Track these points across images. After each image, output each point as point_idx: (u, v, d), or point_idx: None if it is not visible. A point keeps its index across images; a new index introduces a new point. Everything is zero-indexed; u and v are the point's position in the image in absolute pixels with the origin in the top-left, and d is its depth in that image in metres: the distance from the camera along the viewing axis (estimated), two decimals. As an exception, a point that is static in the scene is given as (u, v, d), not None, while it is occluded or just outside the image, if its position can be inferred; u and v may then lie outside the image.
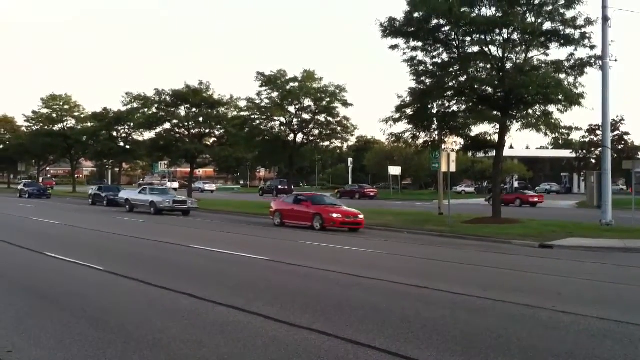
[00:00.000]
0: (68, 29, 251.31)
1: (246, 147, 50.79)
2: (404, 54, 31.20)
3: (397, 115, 31.65)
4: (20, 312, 9.16)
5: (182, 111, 57.14)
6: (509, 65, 29.87)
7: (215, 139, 59.94)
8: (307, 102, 44.77)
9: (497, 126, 30.57)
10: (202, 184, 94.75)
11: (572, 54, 29.02)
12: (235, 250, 17.81)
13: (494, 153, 32.21)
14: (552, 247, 22.05)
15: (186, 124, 57.13)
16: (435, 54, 31.18)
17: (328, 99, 44.22)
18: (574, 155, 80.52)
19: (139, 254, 17.53)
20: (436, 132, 32.64)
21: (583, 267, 17.27)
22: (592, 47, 28.62)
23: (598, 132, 64.58)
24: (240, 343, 7.52)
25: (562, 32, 28.88)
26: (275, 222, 30.09)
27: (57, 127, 78.24)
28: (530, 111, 30.00)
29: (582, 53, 28.99)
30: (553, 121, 29.53)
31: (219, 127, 57.37)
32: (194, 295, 10.48)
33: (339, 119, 45.14)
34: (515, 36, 29.31)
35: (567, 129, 30.23)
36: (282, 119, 45.61)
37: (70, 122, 79.08)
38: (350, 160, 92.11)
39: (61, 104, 78.32)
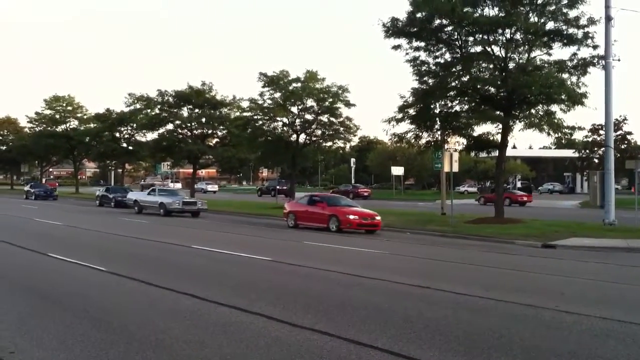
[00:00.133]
0: (70, 29, 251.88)
1: (249, 148, 50.75)
2: (407, 54, 31.25)
3: (400, 116, 31.63)
4: (22, 313, 9.17)
5: (184, 112, 57.19)
6: (511, 65, 29.84)
7: (217, 140, 59.96)
8: (310, 102, 44.73)
9: (500, 126, 30.54)
10: (205, 184, 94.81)
11: (575, 54, 29.02)
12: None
13: (496, 153, 32.19)
14: (555, 247, 22.02)
15: (189, 124, 57.17)
16: (437, 54, 31.18)
17: (331, 100, 44.17)
18: (576, 155, 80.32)
19: (142, 255, 17.54)
20: (439, 132, 32.64)
21: (586, 267, 17.24)
22: (595, 47, 28.63)
23: (601, 132, 64.47)
24: (242, 343, 7.52)
25: (565, 32, 28.84)
26: (289, 223, 29.51)
27: (60, 128, 78.37)
28: (533, 111, 29.99)
29: (585, 53, 29.00)
30: (556, 121, 29.52)
31: (221, 127, 57.40)
32: (196, 296, 10.48)
33: (341, 119, 45.11)
34: (518, 36, 29.28)
35: (570, 129, 30.22)
36: (285, 120, 45.59)
37: (73, 123, 79.24)
38: (352, 160, 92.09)
39: (64, 105, 78.45)
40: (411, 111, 31.67)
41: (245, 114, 48.57)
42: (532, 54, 29.70)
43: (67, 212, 39.21)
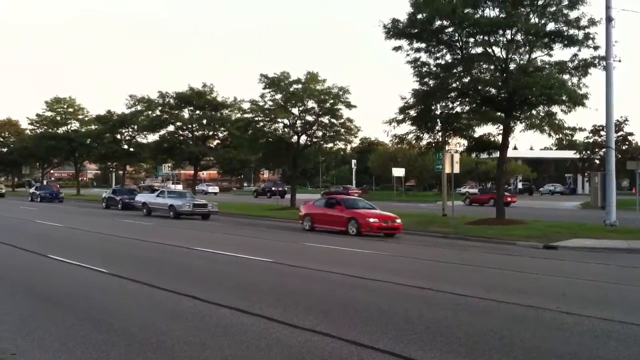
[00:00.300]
0: (71, 29, 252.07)
1: (250, 149, 50.71)
2: (408, 55, 31.24)
3: (401, 117, 31.63)
4: (24, 315, 9.17)
5: (185, 113, 57.38)
6: (512, 66, 29.85)
7: (218, 141, 60.14)
8: (311, 103, 44.71)
9: (501, 127, 30.53)
10: (206, 185, 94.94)
11: (575, 55, 29.03)
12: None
13: (497, 154, 32.19)
14: (556, 248, 22.01)
15: (190, 126, 57.33)
16: (438, 55, 31.20)
17: (331, 101, 44.17)
18: (577, 156, 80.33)
19: (144, 257, 17.54)
20: (440, 133, 32.65)
21: (587, 268, 17.24)
22: (595, 48, 28.65)
23: (602, 133, 64.38)
24: (243, 345, 7.52)
25: (565, 33, 28.85)
26: (305, 226, 28.71)
27: (61, 130, 78.46)
28: (534, 112, 29.97)
29: (585, 54, 29.00)
30: (557, 122, 29.51)
31: (222, 129, 57.55)
32: (197, 297, 10.48)
33: (342, 120, 45.08)
34: (518, 37, 29.29)
35: (571, 130, 30.22)
36: (286, 121, 45.57)
37: (74, 125, 79.35)
38: (354, 161, 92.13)
39: (65, 106, 78.54)
40: (412, 112, 31.67)
41: (246, 115, 48.63)
42: (533, 55, 29.72)
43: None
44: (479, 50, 30.14)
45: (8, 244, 19.39)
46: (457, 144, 34.68)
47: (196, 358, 7.01)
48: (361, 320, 8.91)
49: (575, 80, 28.92)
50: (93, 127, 75.81)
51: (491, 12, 29.54)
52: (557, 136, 31.03)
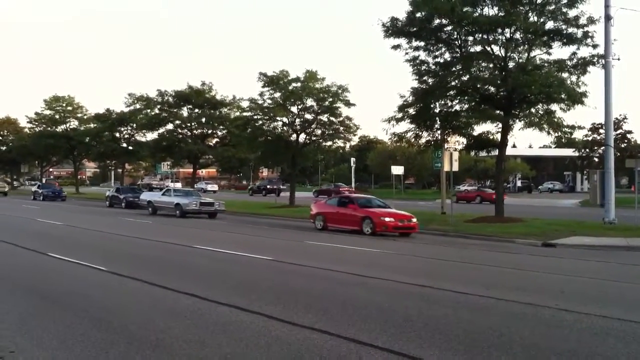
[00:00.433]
0: (70, 29, 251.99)
1: (249, 148, 50.70)
2: (407, 53, 31.26)
3: (400, 115, 31.63)
4: (23, 313, 9.17)
5: (184, 112, 57.40)
6: (511, 64, 29.87)
7: (217, 140, 60.15)
8: (310, 102, 44.71)
9: (500, 125, 30.55)
10: (205, 184, 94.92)
11: (574, 53, 29.04)
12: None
13: (496, 152, 32.21)
14: (555, 246, 22.04)
15: (189, 124, 57.34)
16: (437, 53, 31.20)
17: (330, 99, 44.16)
18: (576, 154, 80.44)
19: (144, 255, 17.55)
20: (439, 132, 32.63)
21: (586, 265, 17.26)
22: (594, 46, 28.66)
23: (601, 131, 64.58)
24: (242, 342, 7.52)
25: (564, 31, 28.87)
26: (317, 225, 28.10)
27: (60, 129, 78.45)
28: (532, 110, 30.01)
29: (584, 52, 29.02)
30: (556, 120, 29.54)
31: (221, 127, 57.57)
32: (196, 295, 10.49)
33: (341, 118, 45.09)
34: (517, 35, 29.29)
35: (570, 128, 30.27)
36: (285, 119, 45.57)
37: (73, 124, 79.32)
38: (352, 160, 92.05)
39: (64, 105, 78.52)
40: (411, 111, 31.67)
41: (245, 113, 48.57)
42: (532, 54, 29.73)
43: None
44: (478, 48, 30.17)
45: (10, 243, 19.36)
46: (456, 142, 34.71)
47: (195, 356, 7.01)
48: (360, 318, 8.92)
49: (574, 78, 28.95)
50: (92, 125, 75.79)
51: (490, 11, 29.58)
52: (556, 134, 31.05)
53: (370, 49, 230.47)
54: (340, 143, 49.29)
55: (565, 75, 28.97)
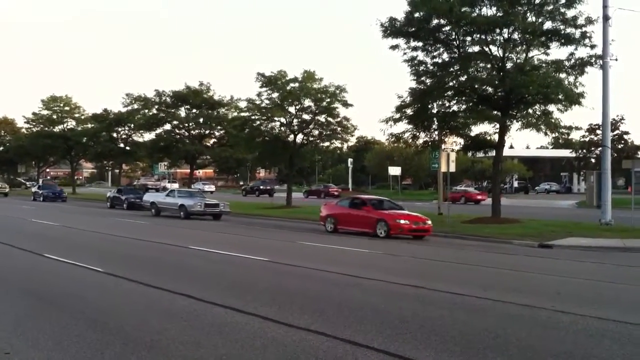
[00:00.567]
0: (67, 29, 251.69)
1: (246, 148, 50.67)
2: (405, 54, 31.24)
3: (397, 116, 31.63)
4: (19, 314, 9.15)
5: (182, 112, 57.35)
6: (509, 64, 29.90)
7: (215, 140, 60.13)
8: (307, 102, 44.71)
9: (497, 126, 30.58)
10: (202, 184, 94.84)
11: (572, 54, 29.08)
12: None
13: (493, 153, 32.23)
14: (551, 247, 22.07)
15: (186, 124, 57.31)
16: (435, 53, 31.19)
17: (328, 100, 44.18)
18: (573, 154, 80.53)
19: (142, 256, 17.53)
20: (436, 132, 32.63)
21: (582, 266, 17.29)
22: (592, 47, 28.69)
23: (598, 132, 64.57)
24: (238, 344, 7.51)
25: (562, 32, 28.89)
26: (327, 228, 27.32)
27: (57, 129, 78.25)
28: (530, 111, 30.04)
29: (582, 52, 29.06)
30: (553, 121, 29.58)
31: (219, 127, 57.56)
32: (192, 296, 10.47)
33: (339, 119, 45.12)
34: (515, 36, 29.33)
35: (567, 129, 30.33)
36: (282, 120, 45.58)
37: (71, 124, 79.13)
38: (350, 160, 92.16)
39: (61, 105, 78.35)
40: (409, 111, 31.67)
41: (242, 114, 48.60)
42: (530, 54, 29.75)
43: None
44: (476, 49, 30.19)
45: (6, 244, 19.28)
46: (454, 142, 34.66)
47: (191, 357, 7.00)
48: (356, 319, 8.91)
49: (571, 79, 28.97)
50: (89, 125, 75.66)
51: (488, 11, 29.60)
52: (554, 135, 31.13)
53: (368, 49, 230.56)
54: (337, 144, 49.40)
55: (563, 75, 29.01)
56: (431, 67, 31.38)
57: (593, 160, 74.53)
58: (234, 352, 7.17)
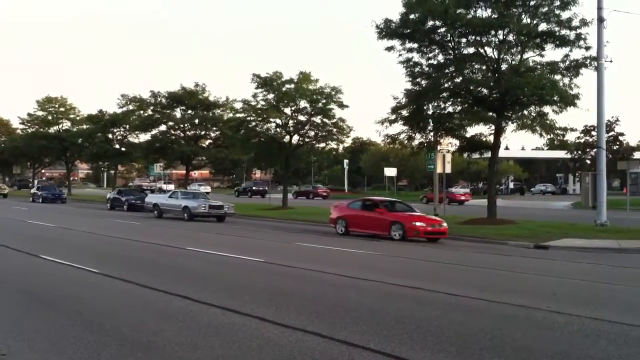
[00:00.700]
0: (62, 30, 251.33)
1: (242, 149, 50.65)
2: (400, 55, 31.24)
3: (393, 117, 31.65)
4: (15, 316, 9.15)
5: (177, 113, 57.33)
6: (504, 66, 29.93)
7: (211, 141, 60.11)
8: (303, 103, 44.72)
9: (493, 127, 30.61)
10: (197, 185, 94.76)
11: (567, 55, 29.10)
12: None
13: (489, 154, 32.27)
14: (547, 248, 22.10)
15: (182, 125, 57.29)
16: (430, 55, 31.22)
17: (324, 101, 44.19)
18: (569, 156, 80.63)
19: (138, 257, 17.51)
20: (432, 133, 32.67)
21: (578, 267, 17.32)
22: (587, 48, 28.75)
23: (593, 133, 64.69)
24: (235, 345, 7.52)
25: (557, 33, 28.92)
26: (338, 230, 26.54)
27: (52, 130, 78.10)
28: (525, 112, 30.07)
29: (577, 54, 29.11)
30: (548, 122, 29.63)
31: (214, 128, 57.55)
32: (188, 297, 10.47)
33: (334, 120, 45.12)
34: (510, 37, 29.37)
35: (562, 130, 30.37)
36: (278, 121, 45.57)
37: (66, 125, 78.97)
38: (346, 161, 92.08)
39: (56, 106, 78.21)
40: (404, 112, 31.69)
41: (238, 115, 48.62)
42: (525, 56, 29.80)
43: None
44: (471, 50, 30.21)
45: (3, 245, 19.21)
46: (449, 144, 34.71)
47: (187, 358, 7.00)
48: (352, 320, 8.92)
49: (566, 80, 29.03)
50: (84, 126, 75.42)
51: (483, 13, 29.61)
52: (549, 136, 31.19)
53: (363, 50, 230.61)
54: (333, 145, 49.34)
55: (557, 77, 29.06)
56: (426, 69, 31.42)
57: (588, 162, 74.53)
58: (230, 353, 7.18)
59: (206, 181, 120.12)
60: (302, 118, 45.46)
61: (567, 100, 28.31)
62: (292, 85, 44.24)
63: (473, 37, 29.75)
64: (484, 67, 30.29)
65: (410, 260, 18.27)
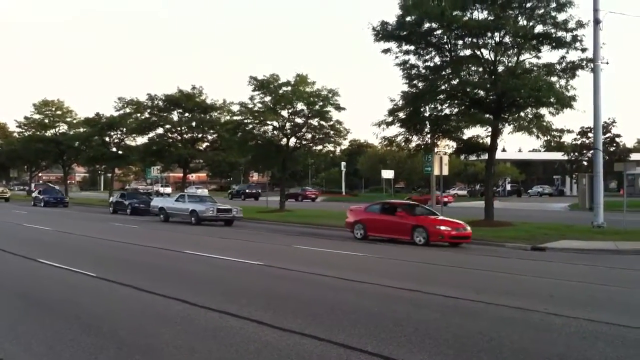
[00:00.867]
0: (58, 33, 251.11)
1: (239, 152, 50.63)
2: (397, 57, 31.33)
3: (390, 119, 31.70)
4: (12, 319, 9.13)
5: (174, 116, 57.29)
6: (501, 68, 30.00)
7: (208, 144, 60.02)
8: (300, 106, 44.70)
9: (489, 129, 30.69)
10: (195, 188, 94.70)
11: (563, 57, 29.21)
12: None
13: (486, 156, 32.31)
14: (544, 250, 22.11)
15: (179, 128, 57.22)
16: (427, 57, 31.31)
17: (321, 103, 44.18)
18: (566, 157, 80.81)
19: (135, 261, 17.49)
20: (429, 136, 32.68)
21: (575, 269, 17.33)
22: (583, 50, 28.83)
23: (590, 135, 64.82)
24: (232, 348, 7.52)
25: (553, 35, 28.99)
26: (356, 235, 25.47)
27: (49, 133, 77.86)
28: (522, 114, 30.13)
29: (573, 56, 29.20)
30: (545, 124, 29.71)
31: (211, 131, 57.47)
32: (186, 301, 10.46)
33: (331, 122, 45.12)
34: (507, 39, 29.45)
35: (559, 132, 30.48)
36: (275, 123, 45.51)
37: (63, 128, 78.74)
38: (343, 164, 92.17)
39: (53, 109, 77.98)
40: (401, 114, 31.72)
41: (235, 117, 48.59)
42: (521, 57, 29.87)
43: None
44: (468, 52, 30.30)
45: (1, 250, 19.24)
46: (446, 146, 34.70)
47: (185, 362, 7.00)
48: (350, 323, 8.92)
49: (563, 82, 29.14)
50: (81, 129, 75.21)
51: (480, 15, 29.68)
52: (545, 138, 31.27)
53: (360, 52, 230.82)
54: (330, 147, 49.37)
55: (554, 79, 29.16)
56: (423, 71, 31.49)
57: (585, 163, 74.70)
58: (228, 357, 7.18)
59: (203, 184, 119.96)
60: (299, 120, 45.49)
61: (564, 101, 28.38)
62: (289, 88, 44.25)
63: (469, 39, 29.81)
64: (480, 69, 30.37)
65: (407, 263, 18.25)
